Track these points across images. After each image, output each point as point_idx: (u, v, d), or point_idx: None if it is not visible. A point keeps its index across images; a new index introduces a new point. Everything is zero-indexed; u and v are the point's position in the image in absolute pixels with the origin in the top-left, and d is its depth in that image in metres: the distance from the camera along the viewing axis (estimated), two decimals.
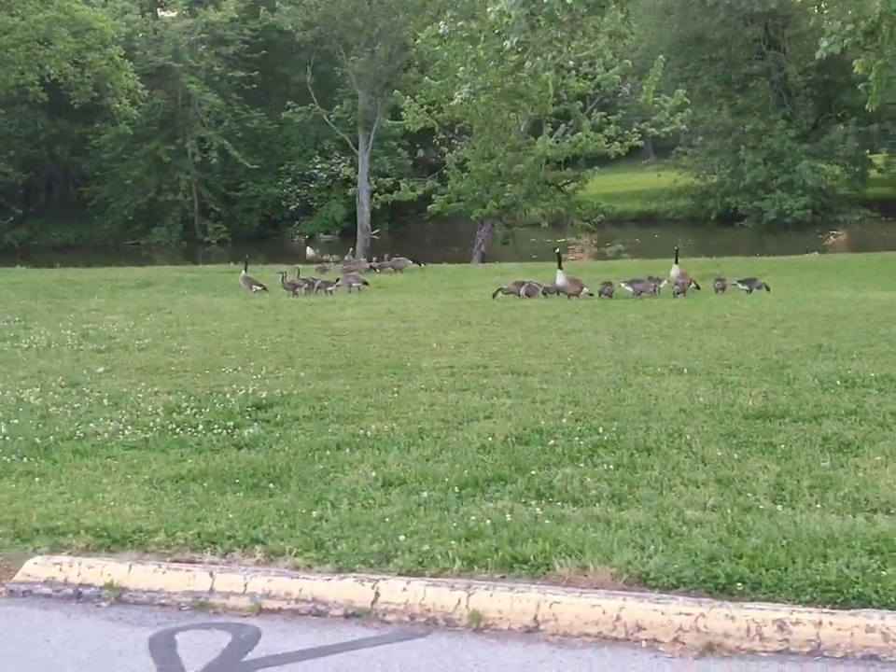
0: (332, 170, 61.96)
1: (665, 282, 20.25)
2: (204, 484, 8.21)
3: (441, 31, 23.37)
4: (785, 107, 54.96)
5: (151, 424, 10.32)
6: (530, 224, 43.09)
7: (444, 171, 41.77)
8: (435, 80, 38.62)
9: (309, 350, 14.35)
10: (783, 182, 52.15)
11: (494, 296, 20.30)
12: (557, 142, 36.95)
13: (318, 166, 62.07)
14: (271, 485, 8.10)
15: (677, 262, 21.08)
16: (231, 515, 7.30)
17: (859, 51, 30.38)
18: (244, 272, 24.42)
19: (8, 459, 9.26)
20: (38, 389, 12.26)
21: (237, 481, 8.25)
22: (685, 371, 11.53)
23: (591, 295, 19.86)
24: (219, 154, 59.84)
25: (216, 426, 10.10)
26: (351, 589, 6.10)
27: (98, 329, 17.23)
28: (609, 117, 39.38)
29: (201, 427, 10.07)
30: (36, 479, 8.60)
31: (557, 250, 20.58)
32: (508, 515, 6.95)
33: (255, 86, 59.61)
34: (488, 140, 37.72)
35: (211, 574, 6.39)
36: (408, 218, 62.41)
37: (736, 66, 55.77)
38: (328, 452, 8.94)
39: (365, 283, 24.10)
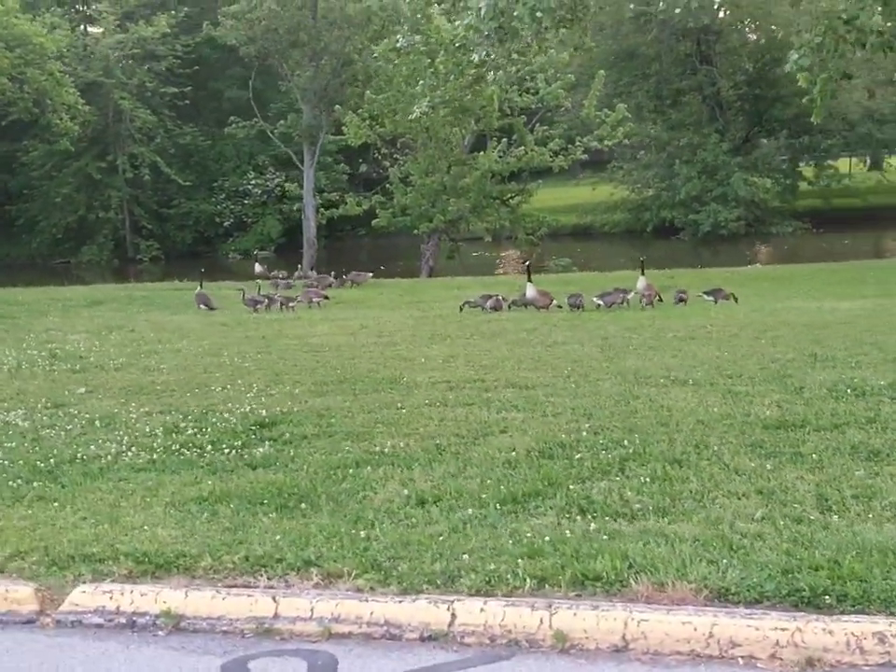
0: (267, 186, 61.64)
1: (633, 293, 20.25)
2: (231, 506, 7.96)
3: (398, 45, 23.25)
4: (717, 121, 55.62)
5: (154, 445, 10.03)
6: (472, 238, 43.03)
7: (387, 185, 41.63)
8: (377, 94, 38.49)
9: (293, 367, 14.10)
10: (717, 195, 52.72)
11: (461, 309, 20.19)
12: (502, 156, 36.93)
13: (253, 182, 61.63)
14: (302, 506, 7.87)
15: (643, 274, 21.17)
16: (276, 537, 7.06)
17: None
18: (199, 288, 24.02)
19: (14, 484, 8.94)
20: (23, 411, 11.92)
21: (264, 501, 8.01)
22: (689, 381, 11.48)
23: (559, 307, 19.80)
24: (151, 171, 59.05)
25: (223, 445, 9.85)
26: (425, 611, 5.91)
27: (65, 349, 16.82)
28: (550, 131, 39.48)
29: (209, 447, 9.81)
30: (53, 504, 8.31)
31: (528, 263, 20.54)
32: (567, 532, 6.80)
33: (188, 102, 58.91)
34: (433, 154, 37.61)
35: (274, 598, 6.17)
36: (343, 234, 62.13)
37: (669, 81, 56.38)
38: (350, 470, 8.72)
39: (325, 297, 23.91)
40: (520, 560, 6.38)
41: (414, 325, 18.55)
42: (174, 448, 9.92)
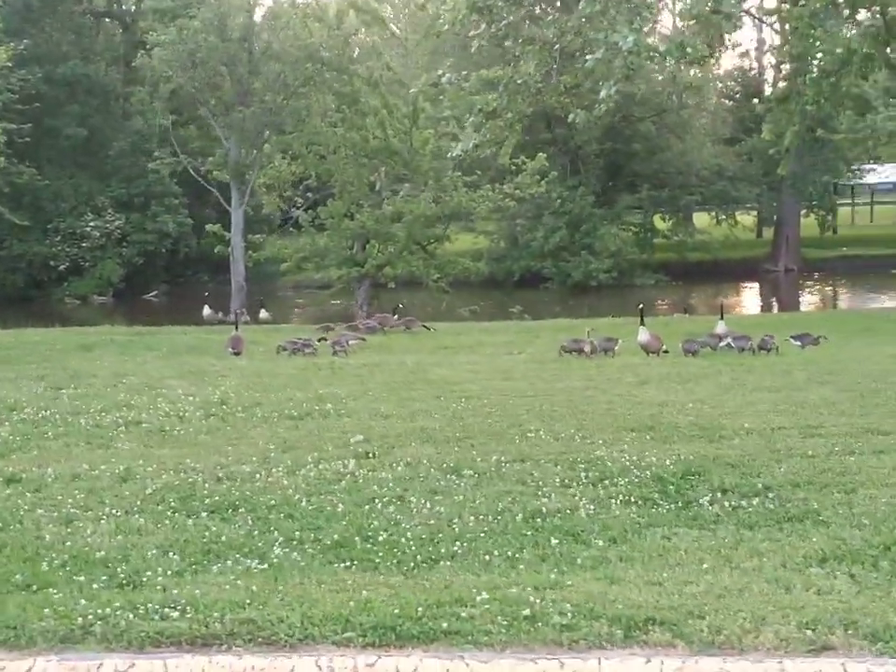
0: (106, 228, 58.71)
1: (728, 339, 19.87)
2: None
3: (443, 81, 22.33)
4: (580, 174, 56.45)
5: (600, 496, 9.06)
6: (378, 284, 41.87)
7: (291, 229, 40.30)
8: (294, 133, 37.33)
9: (555, 412, 13.11)
10: (584, 245, 53.40)
11: (560, 354, 19.40)
12: (436, 202, 36.16)
13: (91, 224, 58.45)
14: None
15: (722, 318, 20.93)
16: None
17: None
18: (235, 330, 22.25)
19: (534, 547, 7.86)
20: (352, 462, 10.55)
21: None
22: None
23: (666, 352, 19.22)
24: None
25: (684, 496, 9.10)
26: None
27: (218, 396, 15.09)
28: (465, 178, 39.05)
29: (663, 497, 8.99)
30: (629, 564, 7.36)
31: (640, 306, 19.85)
32: None
33: (27, 139, 55.34)
34: (356, 197, 36.55)
35: None
36: (186, 278, 60.42)
37: (533, 133, 56.79)
38: None
39: (363, 339, 22.78)
40: None
41: (544, 369, 17.75)
42: (633, 500, 8.98)
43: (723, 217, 62.11)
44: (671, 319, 31.58)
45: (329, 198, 38.06)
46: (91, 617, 6.34)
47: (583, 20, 18.81)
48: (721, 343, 19.77)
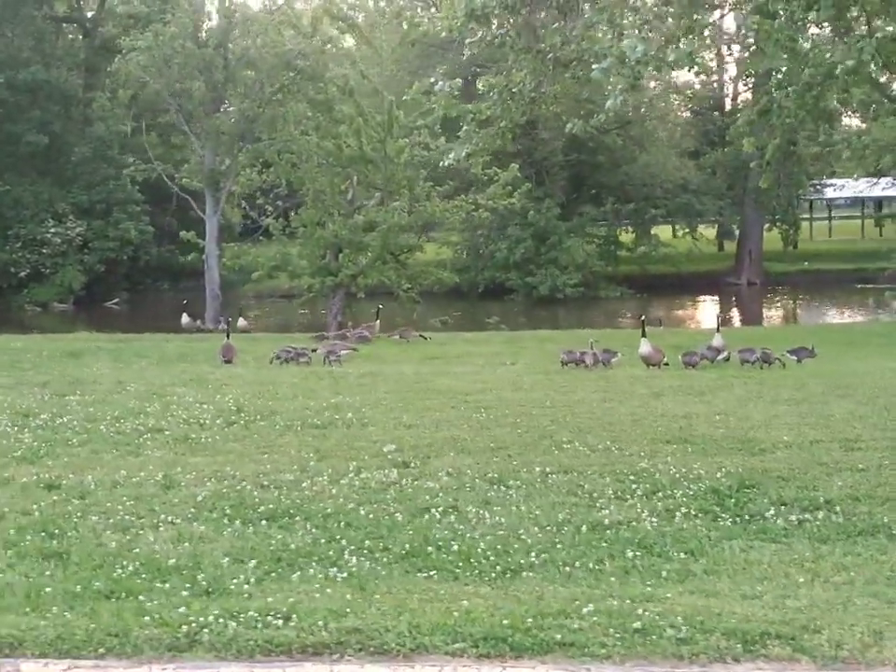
0: (67, 234, 58.01)
1: (726, 352, 19.96)
2: None
3: (437, 88, 22.27)
4: (545, 186, 56.45)
5: (656, 507, 9.09)
6: (349, 293, 41.69)
7: (260, 238, 40.01)
8: (268, 139, 37.04)
9: (582, 424, 13.07)
10: (551, 259, 53.41)
11: (563, 365, 19.36)
12: (410, 211, 36.03)
13: (52, 230, 57.71)
14: None
15: (718, 331, 20.97)
16: None
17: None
18: (226, 338, 22.00)
19: (637, 561, 7.79)
20: (394, 471, 10.53)
21: None
22: None
23: (667, 364, 19.24)
24: None
25: (741, 508, 9.09)
26: None
27: (231, 404, 14.91)
28: (437, 187, 38.90)
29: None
30: (714, 578, 7.33)
31: (643, 318, 19.88)
32: None
33: None
34: (330, 206, 36.32)
35: None
36: (146, 287, 59.98)
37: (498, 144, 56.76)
38: None
39: (354, 349, 22.61)
40: None
41: (551, 381, 17.68)
42: (693, 512, 9.00)
43: (686, 230, 62.42)
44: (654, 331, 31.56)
45: (300, 206, 37.84)
46: (194, 625, 6.22)
47: (588, 27, 18.81)
48: (720, 356, 19.83)
